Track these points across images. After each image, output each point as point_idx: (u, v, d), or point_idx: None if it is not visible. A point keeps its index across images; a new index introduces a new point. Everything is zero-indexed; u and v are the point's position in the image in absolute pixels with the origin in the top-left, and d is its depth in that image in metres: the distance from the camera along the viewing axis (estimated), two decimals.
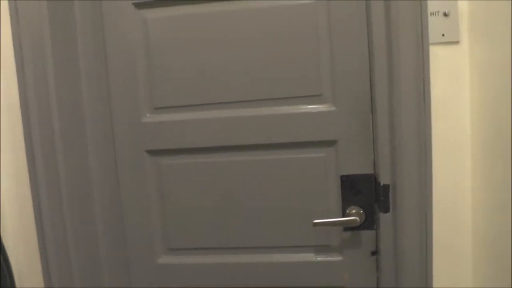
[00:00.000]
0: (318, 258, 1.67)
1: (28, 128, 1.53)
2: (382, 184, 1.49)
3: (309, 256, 1.68)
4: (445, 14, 1.42)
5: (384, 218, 1.52)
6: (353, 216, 1.55)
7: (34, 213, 1.57)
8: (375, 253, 1.61)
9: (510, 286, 1.24)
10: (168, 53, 1.64)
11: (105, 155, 1.69)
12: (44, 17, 1.51)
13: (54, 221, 1.57)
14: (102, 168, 1.69)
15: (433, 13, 1.42)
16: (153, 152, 1.69)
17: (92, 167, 1.67)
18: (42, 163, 1.54)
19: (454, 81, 1.44)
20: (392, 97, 1.47)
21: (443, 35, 1.42)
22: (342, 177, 1.60)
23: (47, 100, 1.54)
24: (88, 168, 1.66)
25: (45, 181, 1.55)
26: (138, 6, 1.64)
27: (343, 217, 1.59)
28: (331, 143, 1.61)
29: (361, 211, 1.58)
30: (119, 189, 1.71)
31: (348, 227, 1.59)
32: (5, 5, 1.50)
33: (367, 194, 1.58)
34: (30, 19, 1.51)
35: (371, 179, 1.58)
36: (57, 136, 1.56)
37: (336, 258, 1.66)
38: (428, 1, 1.41)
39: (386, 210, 1.49)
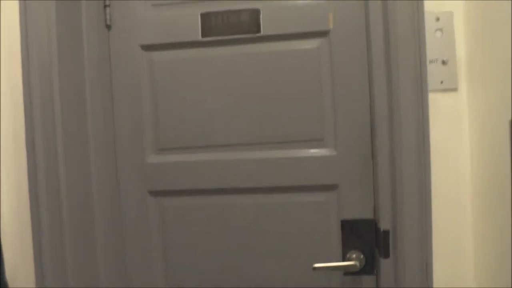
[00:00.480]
0: None
1: (34, 170, 1.54)
2: (382, 230, 1.47)
3: None
4: (444, 62, 1.43)
5: (384, 263, 1.51)
6: (354, 261, 1.54)
7: (35, 260, 1.56)
8: None
9: None
10: (173, 95, 1.67)
11: (109, 195, 1.70)
12: (53, 56, 1.53)
13: (55, 264, 1.55)
14: (105, 207, 1.69)
15: (432, 61, 1.44)
16: (156, 193, 1.69)
17: (95, 206, 1.67)
18: (46, 202, 1.54)
19: (453, 127, 1.45)
20: (393, 143, 1.47)
21: (441, 82, 1.44)
22: (342, 221, 1.60)
23: (53, 138, 1.55)
24: (91, 208, 1.66)
25: (48, 222, 1.55)
26: (145, 48, 1.68)
27: (344, 261, 1.58)
28: (332, 187, 1.61)
29: (362, 256, 1.57)
30: (122, 229, 1.71)
31: (348, 272, 1.56)
32: (17, 46, 1.52)
33: (368, 239, 1.57)
34: (39, 58, 1.54)
35: (372, 224, 1.57)
36: (62, 175, 1.56)
37: None
38: (427, 49, 1.42)
39: (386, 255, 1.48)
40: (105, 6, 1.68)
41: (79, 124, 1.64)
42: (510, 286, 1.20)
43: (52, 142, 1.54)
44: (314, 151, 1.61)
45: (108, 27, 1.68)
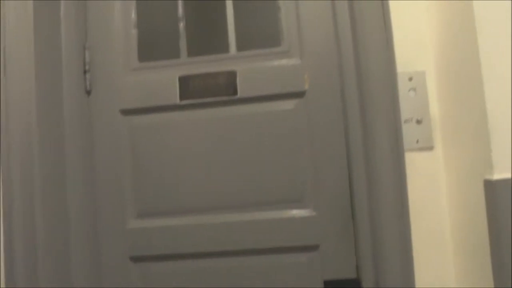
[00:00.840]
0: None
1: (9, 236, 1.51)
2: None
3: None
4: (418, 121, 1.43)
5: None
6: None
7: None
8: None
9: None
10: (153, 159, 1.66)
11: (89, 262, 1.66)
12: (33, 122, 1.53)
13: None
14: (85, 275, 1.65)
15: (406, 120, 1.43)
16: (137, 259, 1.66)
17: (74, 275, 1.63)
18: (23, 269, 1.50)
19: (431, 186, 1.43)
20: (371, 203, 1.46)
21: (417, 141, 1.43)
22: (325, 282, 1.56)
23: (31, 205, 1.52)
24: (70, 275, 1.61)
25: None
26: (124, 113, 1.68)
27: None
28: (313, 247, 1.58)
29: None
30: None
31: None
32: None
33: None
34: (18, 124, 1.53)
35: (355, 284, 1.53)
36: (40, 242, 1.52)
37: None
38: (402, 109, 1.42)
39: None
40: (85, 71, 1.67)
41: (59, 190, 1.62)
42: None
43: (30, 207, 1.52)
44: (294, 212, 1.59)
45: (88, 92, 1.68)
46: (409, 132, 1.43)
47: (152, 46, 1.70)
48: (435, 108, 1.44)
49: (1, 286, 1.51)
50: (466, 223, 1.33)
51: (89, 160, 1.67)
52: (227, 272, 1.63)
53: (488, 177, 1.16)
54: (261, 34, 1.65)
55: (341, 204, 1.55)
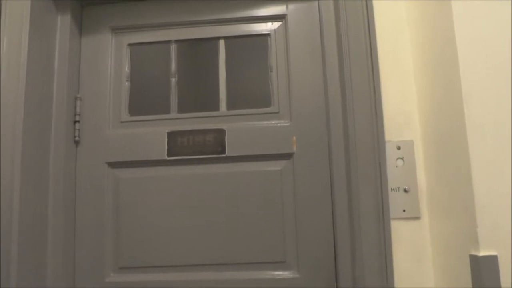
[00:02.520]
0: None
1: None
2: None
3: None
4: (406, 190, 1.39)
5: None
6: None
7: None
8: None
9: None
10: (136, 213, 1.61)
11: None
12: (16, 169, 1.46)
13: None
14: None
15: (394, 189, 1.39)
16: None
17: None
18: None
19: (416, 255, 1.39)
20: (355, 268, 1.43)
21: (404, 210, 1.39)
22: None
23: (8, 251, 1.43)
24: None
25: None
26: (111, 165, 1.64)
27: None
28: None
29: None
30: None
31: None
32: None
33: None
34: (2, 173, 1.46)
35: None
36: None
37: None
38: (389, 177, 1.39)
39: None
40: (75, 121, 1.63)
41: (38, 240, 1.54)
42: None
43: (7, 255, 1.43)
44: (277, 273, 1.53)
45: (77, 142, 1.63)
46: (396, 200, 1.40)
47: (143, 100, 1.66)
48: (422, 178, 1.41)
49: None
50: None
51: (71, 210, 1.62)
52: None
53: (474, 252, 1.13)
54: (252, 93, 1.63)
55: (325, 268, 1.51)
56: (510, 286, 1.09)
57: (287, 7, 1.65)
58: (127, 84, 1.69)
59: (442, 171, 1.30)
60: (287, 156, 1.57)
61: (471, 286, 1.14)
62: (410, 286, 1.37)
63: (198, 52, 1.66)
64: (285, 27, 1.65)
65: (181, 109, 1.65)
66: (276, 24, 1.66)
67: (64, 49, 1.64)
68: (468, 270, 1.15)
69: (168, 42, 1.70)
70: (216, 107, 1.63)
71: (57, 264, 1.56)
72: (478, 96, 1.15)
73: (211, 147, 1.58)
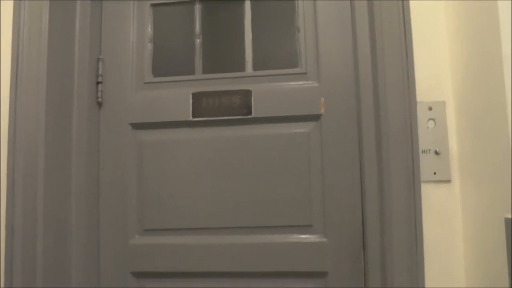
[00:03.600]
0: None
1: (10, 251, 1.41)
2: None
3: None
4: (437, 153, 1.34)
5: None
6: None
7: None
8: None
9: None
10: (160, 176, 1.58)
11: (90, 274, 1.57)
12: (40, 128, 1.44)
13: None
14: (85, 286, 1.54)
15: (424, 151, 1.35)
16: (138, 275, 1.57)
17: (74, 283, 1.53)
18: (22, 280, 1.40)
19: (446, 220, 1.35)
20: (384, 234, 1.38)
21: (434, 173, 1.35)
22: None
23: (34, 213, 1.42)
24: (69, 285, 1.52)
25: None
26: (135, 126, 1.60)
27: None
28: (321, 274, 1.50)
29: None
30: None
31: None
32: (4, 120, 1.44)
33: None
34: (25, 134, 1.44)
35: None
36: (40, 251, 1.42)
37: None
38: (420, 139, 1.34)
39: None
40: (97, 82, 1.59)
41: (63, 201, 1.52)
42: None
43: (33, 217, 1.42)
44: (303, 237, 1.50)
45: (99, 104, 1.60)
46: (426, 163, 1.35)
47: (167, 61, 1.61)
48: (453, 140, 1.35)
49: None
50: (482, 262, 1.24)
51: (95, 172, 1.59)
52: None
53: (509, 215, 1.08)
54: (279, 54, 1.57)
55: (353, 233, 1.46)
56: None
57: None
58: (150, 45, 1.64)
59: (475, 134, 1.25)
60: (315, 118, 1.52)
61: (503, 250, 1.10)
62: (438, 251, 1.33)
63: (223, 13, 1.61)
64: None
65: (206, 70, 1.60)
66: None
67: (86, 10, 1.60)
68: (500, 235, 1.11)
69: (192, 2, 1.65)
70: (242, 68, 1.58)
71: (81, 226, 1.55)
72: None
73: (237, 108, 1.54)
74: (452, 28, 1.36)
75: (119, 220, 1.58)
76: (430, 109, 1.35)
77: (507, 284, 1.09)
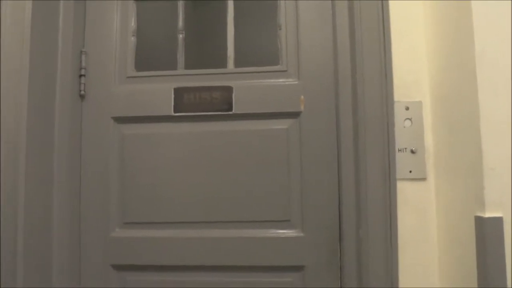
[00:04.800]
0: None
1: None
2: None
3: None
4: (413, 151, 1.35)
5: None
6: None
7: None
8: None
9: None
10: (142, 169, 1.57)
11: (71, 266, 1.56)
12: (22, 121, 1.41)
13: None
14: (66, 278, 1.54)
15: (401, 150, 1.36)
16: (119, 267, 1.56)
17: (55, 278, 1.52)
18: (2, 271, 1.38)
19: (421, 216, 1.36)
20: (360, 228, 1.39)
21: (410, 171, 1.36)
22: None
23: (15, 203, 1.39)
24: (51, 278, 1.51)
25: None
26: (117, 120, 1.58)
27: None
28: (298, 268, 1.50)
29: None
30: None
31: None
32: None
33: None
34: (6, 125, 1.41)
35: None
36: (20, 244, 1.39)
37: None
38: (397, 138, 1.35)
39: None
40: (80, 75, 1.58)
41: (44, 193, 1.50)
42: None
43: (13, 209, 1.39)
44: (281, 232, 1.50)
45: (82, 96, 1.58)
46: (402, 161, 1.36)
47: (150, 55, 1.60)
48: (429, 139, 1.37)
49: None
50: (454, 257, 1.26)
51: (77, 165, 1.57)
52: (209, 287, 1.53)
53: (479, 214, 1.10)
54: (260, 51, 1.57)
55: (329, 227, 1.47)
56: None
57: None
58: (133, 39, 1.62)
59: (450, 132, 1.26)
60: (294, 115, 1.52)
61: (474, 247, 1.12)
62: (413, 246, 1.34)
63: (206, 9, 1.60)
64: None
65: (188, 66, 1.59)
66: None
67: (69, 2, 1.57)
68: (472, 232, 1.12)
69: None
70: (223, 64, 1.57)
71: (63, 218, 1.54)
72: (491, 56, 1.10)
73: (218, 104, 1.53)
74: (430, 28, 1.36)
75: (100, 213, 1.57)
76: (407, 108, 1.36)
77: (476, 276, 1.11)
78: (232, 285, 1.52)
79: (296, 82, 1.51)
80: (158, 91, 1.56)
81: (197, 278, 1.54)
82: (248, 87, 1.52)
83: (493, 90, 1.09)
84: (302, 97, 1.49)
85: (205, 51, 1.56)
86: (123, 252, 1.55)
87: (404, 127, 1.36)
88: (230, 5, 1.60)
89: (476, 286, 1.11)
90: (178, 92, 1.54)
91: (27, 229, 1.39)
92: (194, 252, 1.53)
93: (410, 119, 1.36)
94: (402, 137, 1.36)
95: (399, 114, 1.36)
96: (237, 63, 1.56)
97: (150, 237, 1.54)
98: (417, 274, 1.34)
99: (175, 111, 1.54)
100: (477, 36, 1.10)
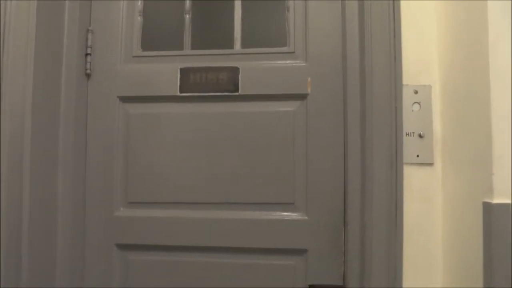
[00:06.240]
0: None
1: None
2: None
3: None
4: (420, 136, 1.31)
5: None
6: None
7: None
8: None
9: None
10: (147, 149, 1.54)
11: (74, 246, 1.53)
12: (27, 104, 1.38)
13: None
14: (70, 257, 1.52)
15: (408, 134, 1.31)
16: (122, 247, 1.53)
17: (59, 257, 1.51)
18: (5, 250, 1.36)
19: (427, 201, 1.33)
20: (365, 212, 1.35)
21: (417, 155, 1.32)
22: (310, 286, 1.45)
23: (20, 180, 1.37)
24: (55, 257, 1.49)
25: (7, 268, 1.36)
26: (122, 99, 1.55)
27: None
28: (301, 251, 1.47)
29: None
30: (83, 280, 1.55)
31: None
32: None
33: None
34: (12, 104, 1.38)
35: None
36: (25, 222, 1.37)
37: None
38: (404, 122, 1.31)
39: None
40: (86, 54, 1.54)
41: (49, 171, 1.47)
42: None
43: (18, 187, 1.36)
44: (285, 214, 1.47)
45: (88, 75, 1.54)
46: (410, 145, 1.32)
47: (156, 35, 1.56)
48: (437, 124, 1.32)
49: None
50: (459, 244, 1.22)
51: (82, 144, 1.54)
52: (212, 268, 1.51)
53: (487, 200, 1.06)
54: (268, 33, 1.52)
55: (334, 211, 1.43)
56: None
57: None
58: (139, 18, 1.58)
59: (459, 118, 1.22)
60: (301, 97, 1.48)
61: (480, 233, 1.09)
62: (418, 231, 1.31)
63: None
64: None
65: (194, 46, 1.55)
66: None
67: None
68: (478, 218, 1.09)
69: None
70: (230, 45, 1.53)
71: (67, 196, 1.51)
72: (505, 43, 1.06)
73: (224, 85, 1.49)
74: (441, 12, 1.31)
75: (105, 192, 1.54)
76: (416, 92, 1.32)
77: (481, 263, 1.07)
78: (235, 266, 1.50)
79: (304, 64, 1.47)
80: (164, 71, 1.52)
81: (200, 259, 1.51)
82: (255, 68, 1.48)
83: (505, 78, 1.05)
84: (309, 79, 1.45)
85: (212, 31, 1.51)
86: (127, 231, 1.53)
87: (413, 111, 1.31)
88: None
89: (482, 274, 1.07)
90: (184, 72, 1.49)
91: (32, 206, 1.37)
92: (197, 232, 1.50)
93: (418, 103, 1.31)
94: (410, 121, 1.32)
95: (407, 97, 1.31)
96: (244, 44, 1.52)
97: (155, 217, 1.51)
98: (420, 259, 1.31)
99: (180, 91, 1.50)
100: (491, 23, 1.07)
